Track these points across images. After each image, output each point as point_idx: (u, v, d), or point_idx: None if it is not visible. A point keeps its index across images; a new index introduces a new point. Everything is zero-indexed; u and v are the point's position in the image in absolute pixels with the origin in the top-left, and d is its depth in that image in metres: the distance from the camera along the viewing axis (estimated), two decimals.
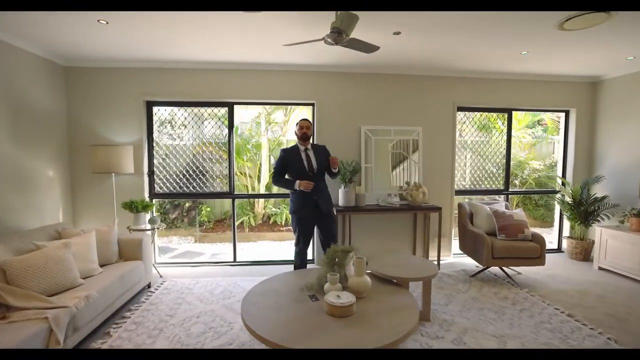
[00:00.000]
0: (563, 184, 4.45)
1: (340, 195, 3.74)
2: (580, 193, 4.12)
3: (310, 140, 3.11)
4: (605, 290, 3.22)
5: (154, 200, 3.91)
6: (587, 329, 2.49)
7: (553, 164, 6.49)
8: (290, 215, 3.19)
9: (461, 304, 2.87)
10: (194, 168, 4.67)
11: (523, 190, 6.06)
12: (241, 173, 6.03)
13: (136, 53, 3.34)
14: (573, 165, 4.42)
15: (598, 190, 4.12)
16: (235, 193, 4.07)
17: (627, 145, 3.99)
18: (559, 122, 6.50)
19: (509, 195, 4.53)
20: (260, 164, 6.11)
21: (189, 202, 5.87)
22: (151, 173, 3.87)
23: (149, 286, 3.20)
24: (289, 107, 6.16)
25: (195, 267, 3.92)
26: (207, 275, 3.60)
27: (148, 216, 3.65)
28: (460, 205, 3.87)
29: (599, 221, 4.03)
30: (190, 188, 4.22)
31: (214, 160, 4.54)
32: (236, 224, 4.10)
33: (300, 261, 3.14)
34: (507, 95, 4.21)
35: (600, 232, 3.82)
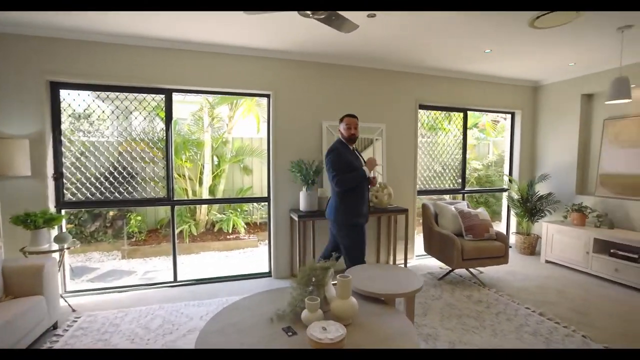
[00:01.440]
0: (510, 181, 4.65)
1: (301, 199, 3.32)
2: (527, 190, 4.32)
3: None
4: (562, 284, 3.34)
5: (63, 212, 3.03)
6: (562, 327, 2.46)
7: (489, 163, 6.93)
8: (343, 225, 2.62)
9: (439, 313, 2.68)
10: (120, 170, 3.84)
11: (478, 189, 6.30)
12: (179, 175, 5.23)
13: (37, 15, 2.51)
14: (519, 164, 4.65)
15: (540, 188, 4.36)
16: (175, 199, 3.38)
17: (563, 146, 4.29)
18: (497, 123, 6.98)
19: (464, 195, 4.59)
20: (203, 165, 5.38)
21: (115, 211, 4.89)
22: (59, 176, 2.99)
23: (54, 327, 2.40)
24: (235, 101, 5.55)
25: (123, 292, 3.15)
26: (139, 303, 2.88)
27: (54, 232, 2.81)
28: (424, 206, 3.74)
29: (542, 217, 4.26)
30: (116, 194, 3.41)
31: (146, 159, 3.77)
32: (176, 235, 3.41)
33: None
34: (463, 95, 4.23)
35: (547, 227, 4.02)
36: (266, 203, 3.62)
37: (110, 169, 3.79)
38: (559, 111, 4.33)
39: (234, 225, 5.31)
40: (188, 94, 3.39)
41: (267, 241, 3.71)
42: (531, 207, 4.28)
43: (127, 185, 3.52)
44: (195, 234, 5.18)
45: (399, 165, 3.96)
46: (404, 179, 4.00)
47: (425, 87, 4.01)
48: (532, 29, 2.69)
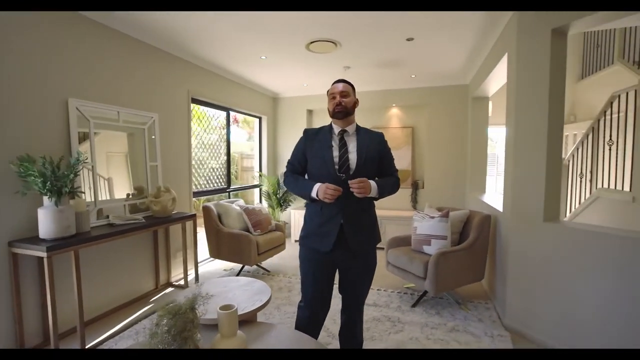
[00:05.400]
0: (261, 176, 5.31)
1: (43, 219, 2.07)
2: (277, 185, 5.14)
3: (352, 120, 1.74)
4: None
5: None
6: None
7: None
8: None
9: (262, 311, 2.66)
10: None
11: (239, 186, 6.37)
12: None
13: None
14: (267, 162, 5.40)
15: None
16: None
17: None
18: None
19: (230, 193, 4.70)
20: None
21: None
22: None
23: None
24: None
25: None
26: None
27: None
28: (207, 208, 3.49)
29: (289, 205, 5.25)
30: None
31: None
32: None
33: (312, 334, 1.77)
34: (228, 95, 4.29)
35: (294, 214, 5.02)
36: None
37: None
38: (292, 120, 5.47)
39: None
40: None
41: None
42: (280, 199, 5.14)
43: None
44: None
45: (174, 164, 3.41)
46: (179, 179, 3.49)
47: (199, 80, 3.70)
48: (306, 50, 3.25)
